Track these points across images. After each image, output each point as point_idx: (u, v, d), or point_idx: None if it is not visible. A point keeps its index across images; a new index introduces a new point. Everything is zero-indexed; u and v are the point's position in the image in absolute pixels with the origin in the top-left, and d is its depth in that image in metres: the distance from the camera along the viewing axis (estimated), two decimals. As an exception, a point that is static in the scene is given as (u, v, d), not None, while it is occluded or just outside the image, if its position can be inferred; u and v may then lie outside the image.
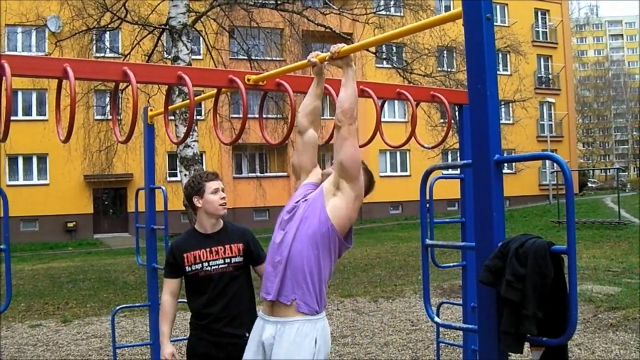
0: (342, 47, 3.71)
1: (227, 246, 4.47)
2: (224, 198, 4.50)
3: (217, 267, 4.43)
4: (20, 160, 32.97)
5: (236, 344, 4.24)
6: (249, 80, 4.30)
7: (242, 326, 4.35)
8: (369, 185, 3.95)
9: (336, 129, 3.69)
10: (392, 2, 21.78)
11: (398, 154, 40.10)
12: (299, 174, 4.11)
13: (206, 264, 4.43)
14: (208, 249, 4.44)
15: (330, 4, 19.91)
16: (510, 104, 34.17)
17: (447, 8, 39.45)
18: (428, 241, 3.29)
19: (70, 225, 33.04)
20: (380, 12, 20.35)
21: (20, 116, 31.23)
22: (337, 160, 3.67)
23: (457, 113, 5.74)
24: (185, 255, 4.45)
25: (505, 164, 2.57)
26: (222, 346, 4.39)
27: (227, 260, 4.45)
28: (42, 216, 32.46)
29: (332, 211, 3.68)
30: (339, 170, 3.68)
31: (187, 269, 4.45)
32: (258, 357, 3.74)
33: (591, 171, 72.36)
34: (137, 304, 10.61)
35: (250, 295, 4.56)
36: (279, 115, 19.66)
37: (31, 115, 32.57)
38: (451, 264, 6.88)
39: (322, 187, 3.80)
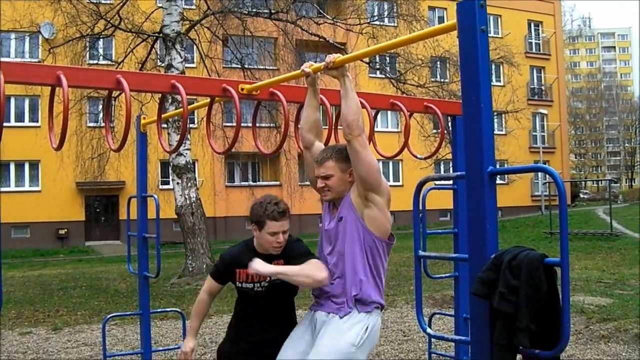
0: (337, 57, 3.73)
1: (274, 264, 4.19)
2: (280, 242, 4.16)
3: (265, 287, 4.26)
4: (12, 167, 32.89)
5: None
6: (242, 89, 4.29)
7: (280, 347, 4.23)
8: None
9: (347, 143, 3.72)
10: (385, 13, 21.82)
11: (391, 163, 40.09)
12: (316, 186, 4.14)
13: (257, 284, 4.27)
14: None
15: (324, 14, 20.00)
16: (503, 115, 34.23)
17: (441, 19, 39.68)
18: (421, 252, 3.28)
19: (61, 232, 32.96)
20: (374, 23, 20.39)
21: (12, 122, 31.12)
22: (357, 175, 3.76)
23: (450, 124, 5.73)
24: (238, 271, 4.30)
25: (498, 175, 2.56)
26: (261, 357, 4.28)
27: (271, 279, 4.20)
28: (34, 223, 32.35)
29: (370, 223, 3.82)
30: (362, 184, 3.77)
31: (238, 284, 4.32)
32: (307, 332, 3.95)
33: (583, 182, 72.44)
34: (128, 313, 10.55)
35: (291, 318, 4.39)
36: (272, 125, 19.67)
37: (23, 121, 32.52)
38: (444, 275, 6.88)
39: (351, 204, 3.87)
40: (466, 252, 2.81)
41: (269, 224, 4.08)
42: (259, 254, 4.22)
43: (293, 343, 3.98)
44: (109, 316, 7.08)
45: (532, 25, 48.18)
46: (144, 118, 5.94)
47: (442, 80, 22.53)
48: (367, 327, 3.79)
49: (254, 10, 18.79)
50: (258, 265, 3.92)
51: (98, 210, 35.15)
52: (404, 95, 17.03)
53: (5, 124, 3.36)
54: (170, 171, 15.66)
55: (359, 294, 3.80)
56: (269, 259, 4.20)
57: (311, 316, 4.01)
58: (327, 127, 4.65)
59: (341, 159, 3.86)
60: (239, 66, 19.35)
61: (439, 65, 24.47)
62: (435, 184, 6.03)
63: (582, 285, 13.51)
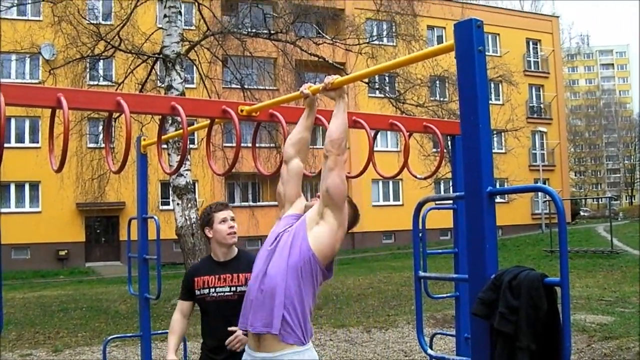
0: (336, 78, 3.73)
1: (236, 275, 4.62)
2: (232, 227, 4.71)
3: (222, 294, 4.60)
4: (13, 188, 32.87)
5: None
6: (242, 111, 4.30)
7: None
8: (354, 218, 3.97)
9: (324, 158, 3.71)
10: (384, 33, 21.91)
11: (390, 183, 40.12)
12: (282, 203, 4.11)
13: (213, 290, 4.61)
14: (217, 276, 4.63)
15: (323, 34, 20.07)
16: (503, 134, 34.28)
17: (440, 38, 39.81)
18: (421, 273, 3.28)
19: (62, 253, 32.86)
20: (373, 42, 20.48)
21: (12, 143, 31.13)
22: (323, 188, 3.68)
23: (449, 143, 5.75)
24: (195, 279, 4.70)
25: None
26: None
27: (233, 289, 4.59)
28: (34, 244, 32.27)
29: (313, 240, 3.68)
30: (324, 198, 3.69)
31: (197, 292, 4.67)
32: None
33: (583, 200, 72.38)
34: (129, 334, 10.52)
35: None
36: (271, 145, 19.70)
37: (24, 142, 32.56)
38: (444, 295, 6.85)
39: (305, 217, 3.81)
40: (466, 272, 2.81)
41: (216, 215, 4.70)
42: (218, 262, 4.72)
43: None
44: (109, 338, 7.07)
45: (531, 43, 48.39)
46: (144, 139, 5.95)
47: (441, 99, 22.61)
48: None
49: (254, 30, 18.88)
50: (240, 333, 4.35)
51: (98, 231, 35.12)
52: (404, 114, 17.06)
53: (5, 145, 3.37)
54: (170, 192, 15.65)
55: (288, 326, 3.61)
56: (232, 267, 4.66)
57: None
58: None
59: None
60: (239, 86, 19.42)
61: (438, 85, 24.57)
62: (435, 204, 6.02)
63: (584, 303, 13.50)
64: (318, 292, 3.85)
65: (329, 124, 3.85)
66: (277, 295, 3.62)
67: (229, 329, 4.43)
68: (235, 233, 4.71)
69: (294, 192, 4.07)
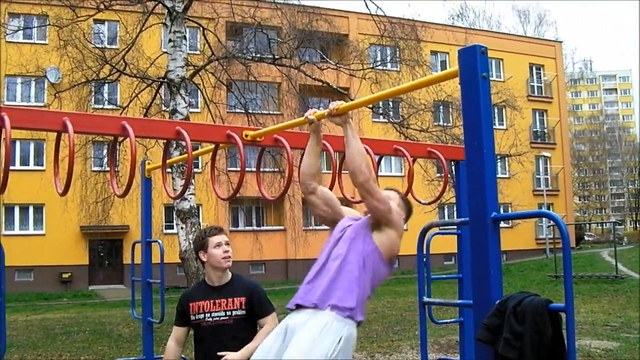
0: (340, 104, 3.74)
1: (230, 299, 4.61)
2: (227, 251, 4.66)
3: (218, 318, 4.57)
4: (17, 210, 32.89)
5: None
6: (246, 136, 4.32)
7: None
8: (408, 209, 4.17)
9: (355, 187, 3.79)
10: (388, 58, 22.00)
11: (395, 207, 39.99)
12: (333, 219, 4.10)
13: (208, 314, 4.59)
14: (212, 301, 4.61)
15: (328, 59, 20.16)
16: (507, 158, 34.26)
17: (443, 63, 39.91)
18: (426, 298, 3.28)
19: (65, 276, 32.78)
20: (377, 68, 20.56)
21: (17, 166, 31.15)
22: (368, 211, 3.81)
23: (453, 168, 5.76)
24: (190, 304, 4.68)
25: (502, 219, 2.60)
26: None
27: (229, 313, 4.57)
28: (38, 266, 32.19)
29: (375, 236, 3.78)
30: (373, 220, 3.81)
31: (192, 317, 4.65)
32: (277, 342, 3.64)
33: (587, 225, 72.19)
34: (132, 358, 10.48)
35: None
36: (275, 169, 19.70)
37: (28, 165, 32.60)
38: (448, 320, 6.83)
39: (367, 218, 3.87)
40: (471, 298, 2.81)
41: (210, 240, 4.65)
42: (213, 286, 4.70)
43: (262, 352, 3.73)
44: (112, 362, 7.05)
45: (534, 68, 48.43)
46: (149, 163, 5.96)
47: (445, 124, 22.64)
48: (340, 338, 3.52)
49: (258, 55, 18.98)
50: (229, 356, 4.40)
51: (102, 254, 35.03)
52: (407, 139, 17.10)
53: (10, 168, 3.38)
54: (174, 216, 15.66)
55: (340, 299, 3.60)
56: (227, 291, 4.65)
57: (285, 323, 3.74)
58: (331, 171, 4.72)
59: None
60: (243, 111, 19.47)
61: (441, 110, 24.61)
62: (440, 229, 6.02)
63: (588, 328, 13.42)
64: (377, 286, 3.89)
65: (333, 149, 3.86)
66: (336, 275, 3.67)
67: (218, 353, 4.44)
68: (229, 257, 4.70)
69: (338, 208, 4.13)
